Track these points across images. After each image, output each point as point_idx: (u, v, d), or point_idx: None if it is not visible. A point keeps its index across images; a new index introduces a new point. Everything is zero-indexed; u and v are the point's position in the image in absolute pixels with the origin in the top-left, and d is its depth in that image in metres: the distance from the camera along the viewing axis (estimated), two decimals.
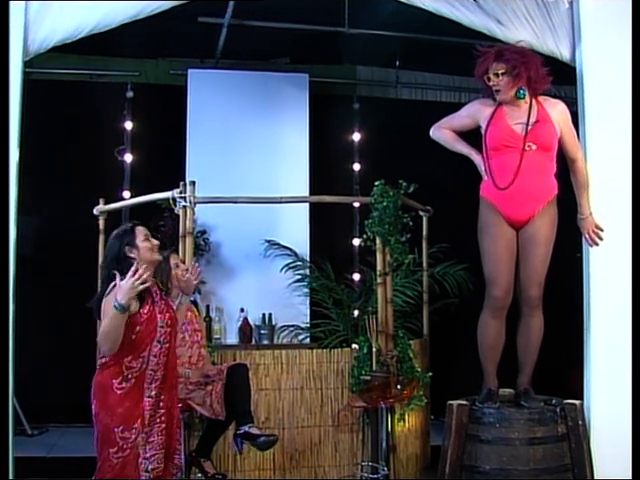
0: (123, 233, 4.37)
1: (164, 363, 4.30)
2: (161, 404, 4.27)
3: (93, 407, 4.22)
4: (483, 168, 5.16)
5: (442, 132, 5.35)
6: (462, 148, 5.27)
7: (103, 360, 4.24)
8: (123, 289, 4.07)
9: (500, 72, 5.03)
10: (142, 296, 4.23)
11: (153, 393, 4.25)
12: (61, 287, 7.54)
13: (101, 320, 4.20)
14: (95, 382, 4.25)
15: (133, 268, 4.11)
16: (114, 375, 4.20)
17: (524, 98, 5.09)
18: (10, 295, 4.66)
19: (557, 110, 5.16)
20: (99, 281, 6.52)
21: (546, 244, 5.15)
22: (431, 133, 5.39)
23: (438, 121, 5.37)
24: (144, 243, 4.34)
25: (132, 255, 4.28)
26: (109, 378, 4.20)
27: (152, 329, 4.26)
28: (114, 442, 4.16)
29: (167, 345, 4.32)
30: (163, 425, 4.26)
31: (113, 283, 4.14)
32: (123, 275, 4.12)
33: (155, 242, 4.42)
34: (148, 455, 4.20)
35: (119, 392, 4.18)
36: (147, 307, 4.27)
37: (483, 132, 5.18)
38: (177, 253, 5.65)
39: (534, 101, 5.12)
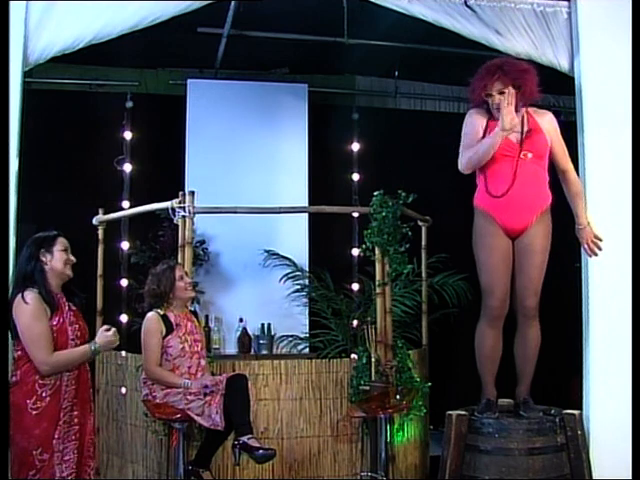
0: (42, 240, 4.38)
1: (76, 376, 4.20)
2: (75, 420, 4.16)
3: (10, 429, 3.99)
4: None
5: (467, 156, 5.21)
6: (488, 140, 5.07)
7: (14, 379, 4.09)
8: (105, 339, 4.20)
9: (505, 91, 5.03)
10: (52, 305, 4.16)
11: (67, 408, 4.14)
12: None
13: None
14: (10, 403, 4.01)
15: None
16: (27, 395, 4.05)
17: None
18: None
19: (546, 120, 5.19)
20: (101, 291, 6.62)
21: (542, 253, 5.16)
22: (463, 169, 5.17)
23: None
24: (60, 254, 4.33)
25: (44, 259, 4.28)
26: (22, 398, 4.04)
27: (64, 342, 4.17)
28: (32, 465, 4.01)
29: None
30: (77, 443, 4.15)
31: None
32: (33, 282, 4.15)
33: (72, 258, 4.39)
34: (65, 474, 4.08)
35: (34, 412, 4.04)
36: (57, 318, 4.18)
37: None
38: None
39: (524, 111, 5.14)
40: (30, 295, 4.14)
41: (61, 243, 4.36)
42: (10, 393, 4.03)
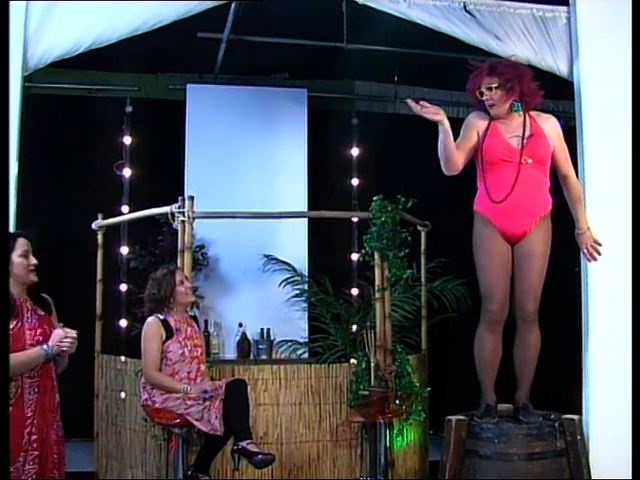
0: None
1: (38, 385, 3.99)
2: (34, 429, 3.93)
3: None
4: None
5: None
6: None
7: None
8: (54, 338, 3.97)
9: (494, 86, 5.01)
10: (11, 310, 3.93)
11: (30, 418, 3.93)
12: (59, 301, 7.51)
13: None
14: None
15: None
16: None
17: (519, 111, 5.09)
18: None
19: (549, 124, 5.16)
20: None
21: (541, 258, 5.14)
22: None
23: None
24: (20, 259, 4.05)
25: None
26: None
27: (20, 347, 3.94)
28: None
29: (40, 364, 4.01)
30: (36, 453, 3.93)
31: None
32: None
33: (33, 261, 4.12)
34: None
35: None
36: (14, 323, 3.96)
37: (478, 146, 5.16)
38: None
39: (527, 115, 5.13)
40: None
41: (21, 247, 4.06)
42: None
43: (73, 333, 4.06)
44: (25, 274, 4.09)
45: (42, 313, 4.16)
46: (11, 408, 3.88)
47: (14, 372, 3.92)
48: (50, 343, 4.00)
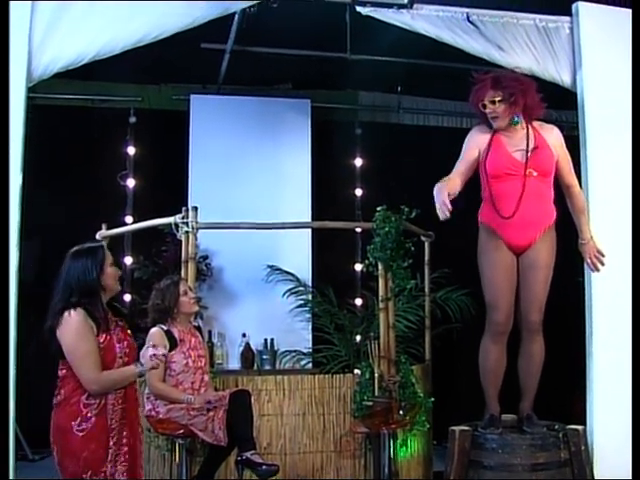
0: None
1: (123, 395, 4.00)
2: (124, 440, 3.95)
3: (55, 454, 3.87)
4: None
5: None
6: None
7: (58, 398, 3.92)
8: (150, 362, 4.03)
9: (497, 99, 4.98)
10: (100, 322, 3.95)
11: (115, 429, 3.93)
12: None
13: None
14: (53, 425, 3.91)
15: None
16: (71, 416, 3.85)
17: (519, 125, 5.06)
18: (12, 320, 4.64)
19: (553, 135, 5.13)
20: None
21: (546, 269, 5.13)
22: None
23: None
24: (111, 268, 4.10)
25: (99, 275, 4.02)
26: (66, 420, 3.84)
27: (111, 360, 3.97)
28: None
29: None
30: (126, 464, 3.94)
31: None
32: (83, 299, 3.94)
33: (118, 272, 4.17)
34: None
35: (80, 434, 3.83)
36: (104, 336, 3.96)
37: (482, 160, 5.14)
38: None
39: (530, 127, 5.11)
40: (75, 312, 3.91)
41: (109, 256, 4.12)
42: (53, 414, 3.92)
43: (165, 351, 4.21)
44: (114, 283, 4.14)
45: (121, 323, 4.19)
46: (94, 418, 3.90)
47: (113, 388, 3.96)
48: (143, 360, 4.06)
